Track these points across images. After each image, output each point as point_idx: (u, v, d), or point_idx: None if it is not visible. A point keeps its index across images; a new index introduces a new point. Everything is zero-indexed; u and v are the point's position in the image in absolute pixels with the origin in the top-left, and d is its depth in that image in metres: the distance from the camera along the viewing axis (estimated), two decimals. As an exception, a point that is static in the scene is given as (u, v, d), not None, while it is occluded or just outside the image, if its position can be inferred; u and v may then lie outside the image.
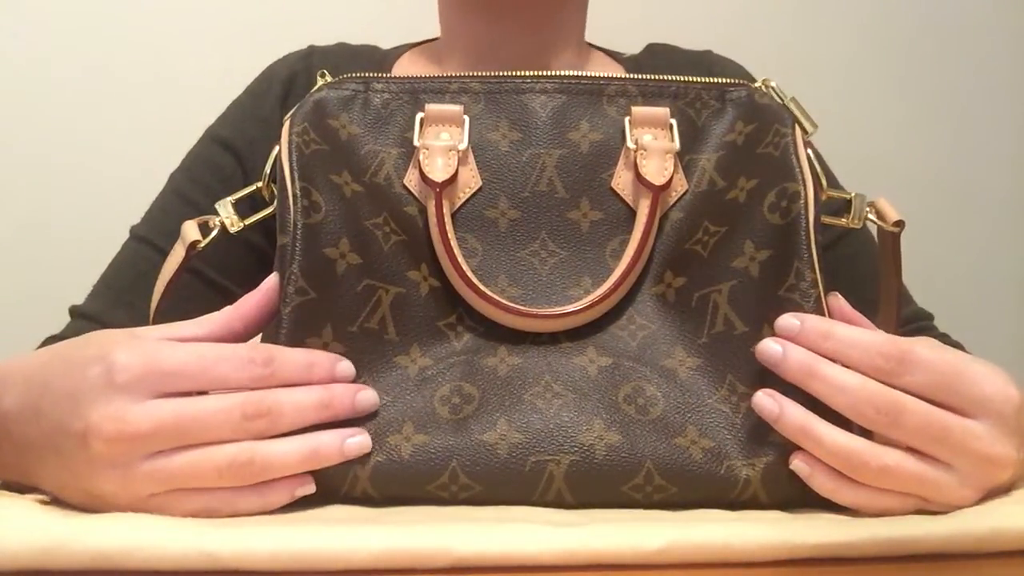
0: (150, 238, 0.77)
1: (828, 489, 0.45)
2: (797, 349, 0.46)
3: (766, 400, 0.46)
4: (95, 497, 0.44)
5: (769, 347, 0.47)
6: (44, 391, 0.45)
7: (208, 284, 0.74)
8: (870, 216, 0.54)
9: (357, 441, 0.46)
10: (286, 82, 0.80)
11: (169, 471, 0.43)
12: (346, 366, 0.49)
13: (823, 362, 0.46)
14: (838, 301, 0.51)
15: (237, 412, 0.44)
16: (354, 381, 0.49)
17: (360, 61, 0.81)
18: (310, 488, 0.46)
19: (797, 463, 0.46)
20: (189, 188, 0.78)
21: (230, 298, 0.76)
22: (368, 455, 0.47)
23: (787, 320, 0.47)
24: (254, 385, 0.45)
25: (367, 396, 0.48)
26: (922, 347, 0.46)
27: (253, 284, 0.78)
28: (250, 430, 0.44)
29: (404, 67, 0.81)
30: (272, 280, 0.50)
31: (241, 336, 0.49)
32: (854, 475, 0.45)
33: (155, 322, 0.56)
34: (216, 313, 0.50)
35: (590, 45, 0.84)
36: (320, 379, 0.47)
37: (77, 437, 0.43)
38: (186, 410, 0.44)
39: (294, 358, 0.47)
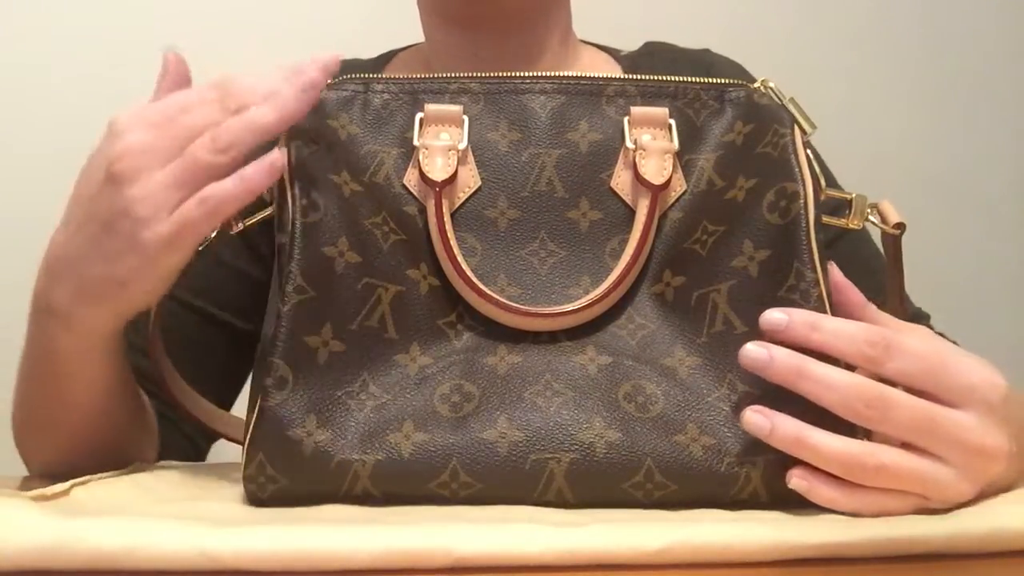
0: None
1: (829, 499, 0.45)
2: (783, 351, 0.46)
3: (756, 417, 0.46)
4: (133, 239, 0.48)
5: (754, 351, 0.46)
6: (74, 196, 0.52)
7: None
8: (871, 218, 0.55)
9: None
10: None
11: (173, 164, 0.48)
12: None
13: (811, 361, 0.46)
14: (832, 269, 0.51)
15: (212, 93, 0.49)
16: (354, 380, 0.49)
17: (348, 73, 0.81)
18: (279, 161, 0.48)
19: (795, 481, 0.46)
20: None
21: (220, 325, 0.76)
22: (368, 455, 0.47)
23: (773, 316, 0.47)
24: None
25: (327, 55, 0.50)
26: (909, 336, 0.47)
27: (245, 309, 0.78)
28: (226, 104, 0.49)
29: (394, 72, 0.82)
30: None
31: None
32: (852, 477, 0.45)
33: (157, 321, 0.57)
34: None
35: (585, 43, 0.84)
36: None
37: (98, 188, 0.48)
38: (167, 107, 0.49)
39: (247, 82, 0.50)
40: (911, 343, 0.46)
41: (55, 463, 0.58)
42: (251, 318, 0.75)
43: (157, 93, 0.52)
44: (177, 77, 0.53)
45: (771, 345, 0.46)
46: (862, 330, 0.46)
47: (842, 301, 0.51)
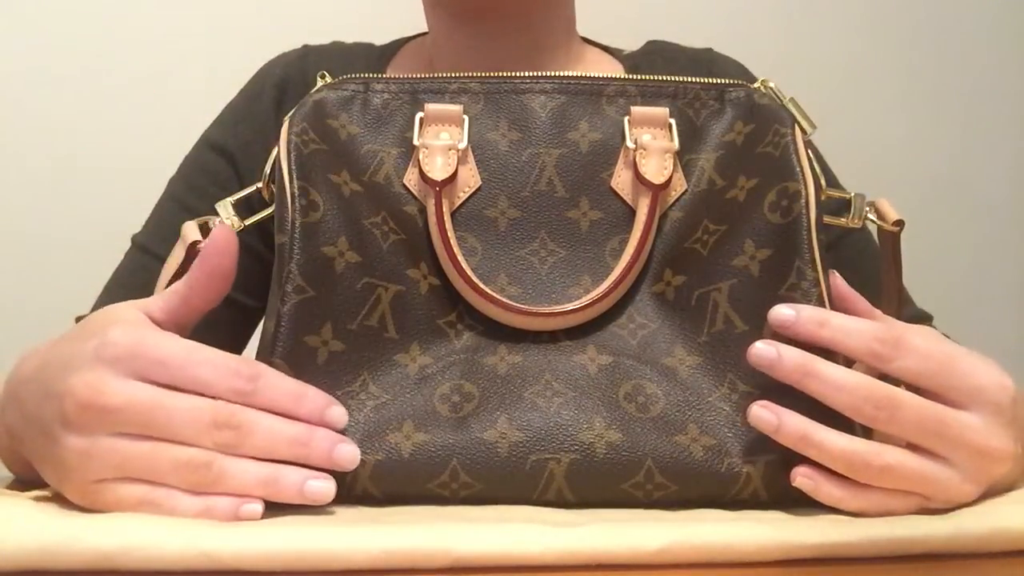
0: (150, 246, 0.77)
1: (835, 498, 0.45)
2: (791, 350, 0.46)
3: (763, 412, 0.45)
4: (59, 467, 0.44)
5: (762, 349, 0.46)
6: (49, 359, 0.47)
7: None
8: (870, 216, 0.54)
9: (320, 486, 0.44)
10: (280, 84, 0.80)
11: (128, 453, 0.43)
12: (339, 412, 0.47)
13: (819, 361, 0.45)
14: (836, 279, 0.51)
15: (208, 415, 0.43)
16: (354, 379, 0.49)
17: (355, 60, 0.81)
18: (256, 510, 0.43)
19: (801, 480, 0.45)
20: (186, 194, 0.79)
21: (228, 302, 0.77)
22: (368, 455, 0.47)
23: (782, 311, 0.47)
24: (232, 397, 0.44)
25: (347, 451, 0.45)
26: (917, 334, 0.46)
27: (254, 288, 0.78)
28: (215, 439, 0.43)
29: (399, 65, 0.82)
30: (218, 236, 0.49)
31: (199, 307, 0.50)
32: (857, 476, 0.45)
33: None
34: (171, 289, 0.50)
35: (587, 41, 0.84)
36: (307, 413, 0.46)
37: (57, 398, 0.44)
38: (160, 398, 0.43)
39: (282, 384, 0.46)
40: (920, 342, 0.46)
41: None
42: (256, 295, 0.75)
43: (198, 261, 0.49)
44: (219, 254, 0.49)
45: (779, 344, 0.46)
46: (871, 327, 0.46)
47: (848, 311, 0.51)
